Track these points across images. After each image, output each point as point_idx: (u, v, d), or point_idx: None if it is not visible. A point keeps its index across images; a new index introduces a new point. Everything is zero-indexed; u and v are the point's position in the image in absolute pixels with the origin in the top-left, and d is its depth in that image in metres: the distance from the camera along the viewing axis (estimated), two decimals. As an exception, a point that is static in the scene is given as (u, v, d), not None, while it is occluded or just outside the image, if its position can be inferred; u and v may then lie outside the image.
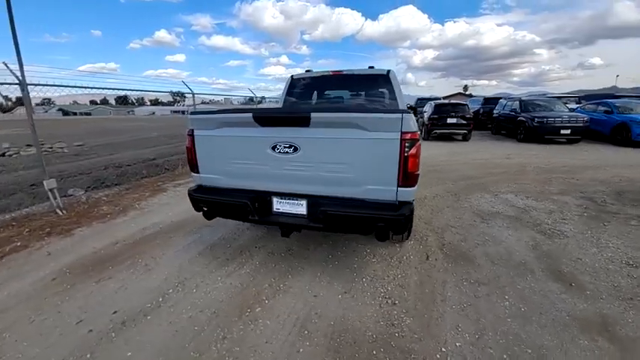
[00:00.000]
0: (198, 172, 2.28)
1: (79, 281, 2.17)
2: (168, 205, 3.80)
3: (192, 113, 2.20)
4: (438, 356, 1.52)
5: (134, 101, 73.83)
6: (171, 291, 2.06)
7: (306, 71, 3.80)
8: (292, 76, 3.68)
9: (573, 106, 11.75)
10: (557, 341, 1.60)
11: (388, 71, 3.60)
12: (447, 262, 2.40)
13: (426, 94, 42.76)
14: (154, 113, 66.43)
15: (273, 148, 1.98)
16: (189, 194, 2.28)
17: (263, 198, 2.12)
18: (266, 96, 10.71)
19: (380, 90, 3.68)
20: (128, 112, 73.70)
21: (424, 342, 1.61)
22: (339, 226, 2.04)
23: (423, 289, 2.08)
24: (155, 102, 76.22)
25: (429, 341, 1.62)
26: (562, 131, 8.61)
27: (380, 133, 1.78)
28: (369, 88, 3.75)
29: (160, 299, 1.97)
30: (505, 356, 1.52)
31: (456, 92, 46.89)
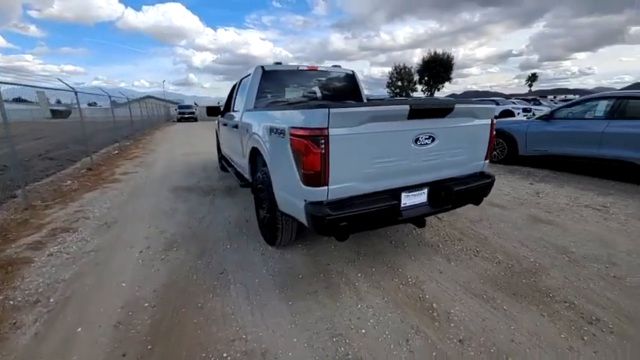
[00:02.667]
0: (326, 184, 1.78)
1: None
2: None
3: (330, 107, 1.69)
4: None
5: None
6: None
7: (276, 63, 3.40)
8: (263, 67, 3.22)
9: None
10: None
11: (353, 71, 3.86)
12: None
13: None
14: None
15: (416, 141, 1.98)
16: (323, 218, 1.74)
17: (396, 195, 2.02)
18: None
19: (349, 88, 3.78)
20: None
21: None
22: (461, 202, 2.33)
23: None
24: None
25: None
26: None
27: (482, 120, 2.28)
28: (339, 86, 3.78)
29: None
30: None
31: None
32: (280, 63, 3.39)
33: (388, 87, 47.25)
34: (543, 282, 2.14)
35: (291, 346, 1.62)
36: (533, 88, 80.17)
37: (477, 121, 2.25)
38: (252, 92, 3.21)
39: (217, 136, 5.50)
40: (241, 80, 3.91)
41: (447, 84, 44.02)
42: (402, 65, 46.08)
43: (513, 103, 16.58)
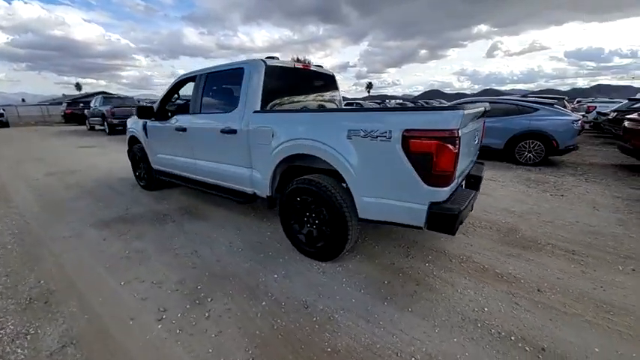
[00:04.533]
0: (453, 182, 1.90)
1: None
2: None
3: (462, 109, 1.75)
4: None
5: None
6: None
7: (272, 57, 2.95)
8: (265, 62, 2.78)
9: None
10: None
11: (333, 74, 3.67)
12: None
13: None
14: None
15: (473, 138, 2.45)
16: (455, 215, 1.79)
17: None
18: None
19: (332, 90, 3.71)
20: None
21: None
22: (478, 186, 2.79)
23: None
24: None
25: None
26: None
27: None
28: (324, 88, 3.63)
29: None
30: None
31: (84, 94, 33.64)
32: (277, 58, 2.97)
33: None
34: (524, 235, 2.98)
35: (457, 345, 1.64)
36: (367, 94, 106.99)
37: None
38: (255, 91, 2.69)
39: (144, 145, 4.16)
40: (207, 76, 3.19)
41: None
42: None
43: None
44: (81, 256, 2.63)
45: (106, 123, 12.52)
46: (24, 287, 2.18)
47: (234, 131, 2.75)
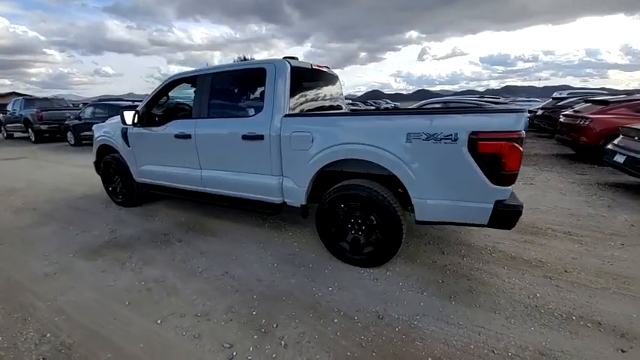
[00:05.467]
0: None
1: None
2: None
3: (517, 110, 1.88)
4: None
5: None
6: None
7: (290, 58, 2.73)
8: (289, 61, 2.62)
9: None
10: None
11: (337, 74, 3.52)
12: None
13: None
14: None
15: None
16: (519, 212, 1.94)
17: None
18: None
19: (338, 92, 3.63)
20: None
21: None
22: None
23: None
24: None
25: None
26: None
27: None
28: (334, 89, 3.52)
29: None
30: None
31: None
32: (296, 58, 2.79)
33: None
34: (524, 221, 3.33)
35: (537, 333, 1.74)
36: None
37: None
38: (283, 94, 2.50)
39: (123, 156, 3.57)
40: (213, 76, 2.88)
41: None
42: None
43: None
44: (84, 295, 2.16)
45: (31, 129, 10.49)
46: (27, 345, 1.70)
47: (260, 137, 2.53)
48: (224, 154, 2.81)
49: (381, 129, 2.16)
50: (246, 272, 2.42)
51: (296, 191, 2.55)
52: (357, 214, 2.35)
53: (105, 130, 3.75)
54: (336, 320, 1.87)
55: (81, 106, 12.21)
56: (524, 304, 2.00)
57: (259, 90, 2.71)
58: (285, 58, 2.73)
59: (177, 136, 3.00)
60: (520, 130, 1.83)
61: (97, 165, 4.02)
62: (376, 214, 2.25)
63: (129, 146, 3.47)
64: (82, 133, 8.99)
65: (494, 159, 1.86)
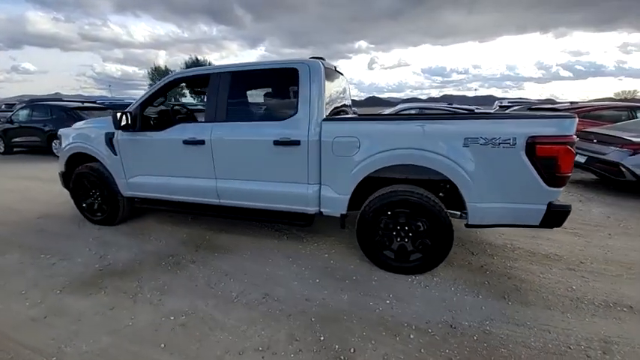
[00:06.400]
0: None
1: None
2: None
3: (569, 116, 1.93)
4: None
5: None
6: None
7: (317, 58, 2.58)
8: (323, 62, 2.51)
9: None
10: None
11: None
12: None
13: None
14: None
15: None
16: (569, 212, 2.07)
17: None
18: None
19: (346, 92, 3.43)
20: None
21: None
22: None
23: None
24: None
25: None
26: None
27: None
28: (344, 90, 3.32)
29: None
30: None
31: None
32: (323, 59, 2.62)
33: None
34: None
35: (592, 324, 1.85)
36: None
37: None
38: (320, 96, 2.34)
39: (107, 166, 3.01)
40: (232, 75, 2.58)
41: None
42: (164, 67, 40.88)
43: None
44: (100, 342, 1.73)
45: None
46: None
47: (296, 142, 2.33)
48: (248, 161, 2.53)
49: (437, 133, 2.13)
50: (289, 292, 2.19)
51: (336, 200, 2.40)
52: (402, 221, 2.29)
53: (81, 136, 3.13)
54: (412, 336, 1.78)
55: (3, 107, 10.26)
56: (567, 298, 2.13)
57: (290, 91, 2.51)
58: (312, 58, 2.57)
59: (186, 142, 2.62)
60: (573, 135, 1.95)
61: (66, 177, 3.34)
62: (426, 219, 2.21)
63: (115, 154, 2.94)
64: (15, 140, 7.48)
65: (551, 162, 1.96)
